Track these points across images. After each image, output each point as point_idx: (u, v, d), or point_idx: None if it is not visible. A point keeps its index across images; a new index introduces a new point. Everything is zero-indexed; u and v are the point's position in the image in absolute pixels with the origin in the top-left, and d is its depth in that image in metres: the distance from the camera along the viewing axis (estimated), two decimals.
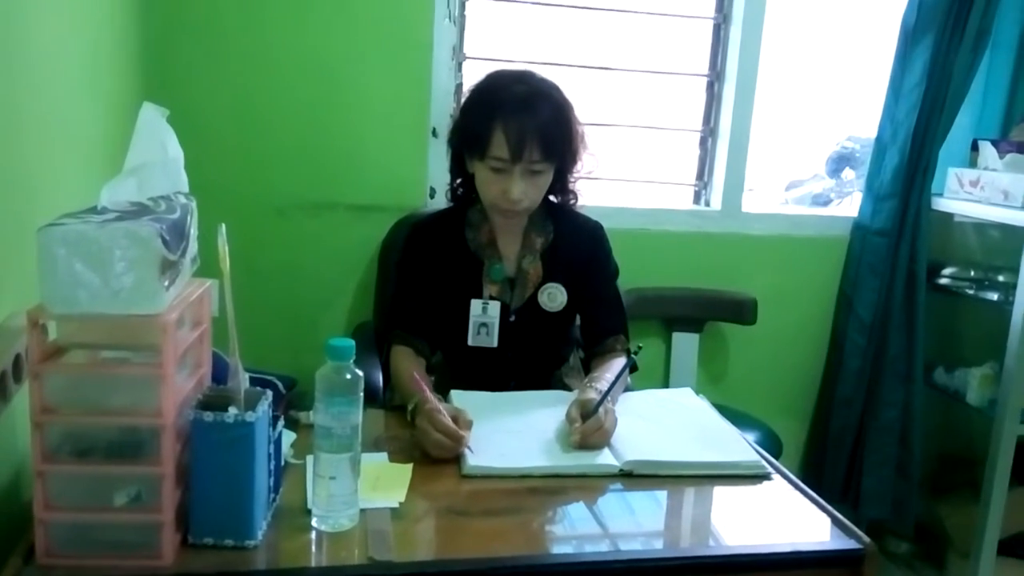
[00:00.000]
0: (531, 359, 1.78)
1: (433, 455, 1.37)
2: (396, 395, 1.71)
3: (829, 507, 1.30)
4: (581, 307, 1.81)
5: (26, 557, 1.03)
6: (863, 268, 2.57)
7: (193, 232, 1.14)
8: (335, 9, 2.24)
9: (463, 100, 1.75)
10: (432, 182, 2.36)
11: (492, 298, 1.73)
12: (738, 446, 1.47)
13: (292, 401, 1.49)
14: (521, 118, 1.59)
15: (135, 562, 1.03)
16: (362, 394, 1.14)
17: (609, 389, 1.50)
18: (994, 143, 2.47)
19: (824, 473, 2.63)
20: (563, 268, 1.76)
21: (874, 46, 2.64)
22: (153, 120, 1.08)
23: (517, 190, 1.62)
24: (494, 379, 1.71)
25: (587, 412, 1.44)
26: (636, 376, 1.84)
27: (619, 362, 1.67)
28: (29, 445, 1.01)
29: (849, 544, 1.21)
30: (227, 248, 1.07)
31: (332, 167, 2.31)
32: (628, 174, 2.62)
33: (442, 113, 2.33)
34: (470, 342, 1.72)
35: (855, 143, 3.15)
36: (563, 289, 1.75)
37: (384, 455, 1.38)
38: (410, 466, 1.34)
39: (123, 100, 1.84)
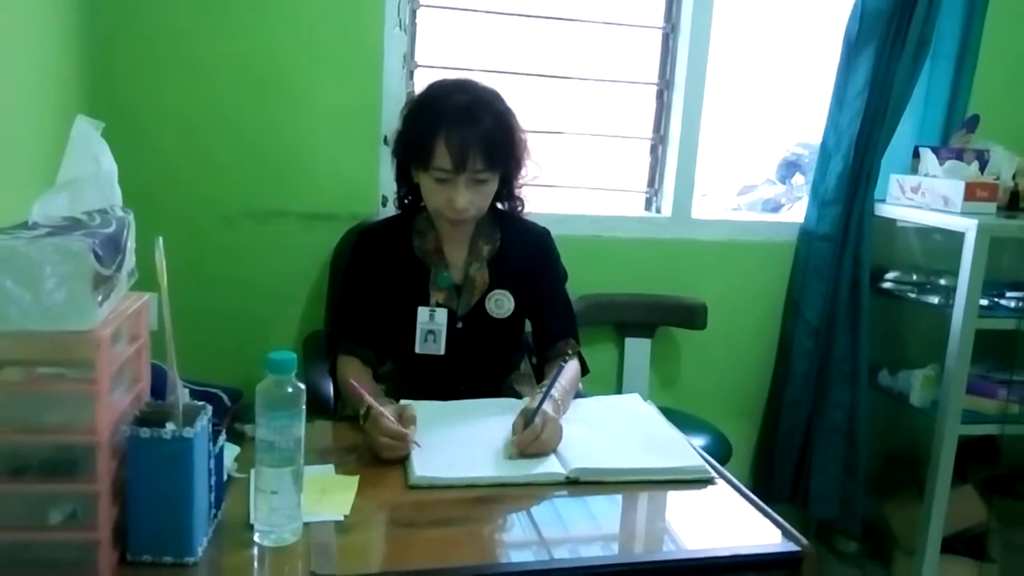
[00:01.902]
0: (480, 366, 1.79)
1: (384, 457, 1.38)
2: (348, 406, 1.71)
3: (770, 510, 1.32)
4: (530, 312, 1.82)
5: None
6: (809, 272, 2.61)
7: (130, 245, 1.13)
8: (284, 16, 2.22)
9: (405, 111, 1.75)
10: (384, 190, 2.35)
11: (439, 305, 1.73)
12: (683, 451, 1.49)
13: (238, 414, 1.48)
14: (463, 128, 1.59)
15: None
16: (304, 407, 1.14)
17: (543, 399, 1.50)
18: (934, 150, 2.53)
19: (774, 474, 2.67)
20: (510, 275, 1.77)
21: (821, 54, 2.69)
22: (86, 133, 1.07)
23: (462, 200, 1.62)
24: (443, 386, 1.71)
25: (528, 422, 1.45)
26: (589, 380, 1.86)
27: (570, 367, 1.69)
28: None
29: (788, 547, 1.22)
30: (164, 262, 1.07)
31: (282, 175, 2.29)
32: (580, 182, 2.64)
33: (393, 121, 2.27)
34: (417, 349, 1.73)
35: (804, 149, 3.20)
36: (510, 296, 1.76)
37: (331, 467, 1.37)
38: (356, 478, 1.33)
39: (65, 110, 1.81)
